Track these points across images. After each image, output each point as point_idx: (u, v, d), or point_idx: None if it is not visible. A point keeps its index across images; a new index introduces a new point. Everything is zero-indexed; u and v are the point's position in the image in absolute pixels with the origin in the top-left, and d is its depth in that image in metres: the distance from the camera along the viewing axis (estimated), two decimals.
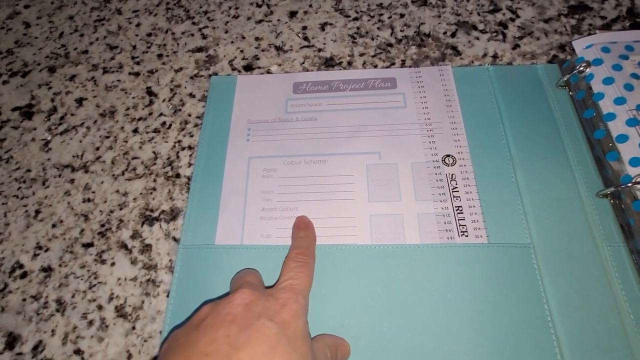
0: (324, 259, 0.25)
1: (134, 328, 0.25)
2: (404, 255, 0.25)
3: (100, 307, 0.25)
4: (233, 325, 0.17)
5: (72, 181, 0.30)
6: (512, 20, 0.35)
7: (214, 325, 0.17)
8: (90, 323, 0.25)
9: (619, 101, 0.25)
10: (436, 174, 0.27)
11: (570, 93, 0.29)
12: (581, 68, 0.28)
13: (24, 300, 0.26)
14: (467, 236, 0.25)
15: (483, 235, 0.25)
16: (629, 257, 0.23)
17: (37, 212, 0.29)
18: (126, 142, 0.32)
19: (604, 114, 0.25)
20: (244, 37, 0.37)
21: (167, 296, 0.25)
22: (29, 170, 0.31)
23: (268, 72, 0.34)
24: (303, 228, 0.25)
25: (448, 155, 0.28)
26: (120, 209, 0.29)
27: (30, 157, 0.32)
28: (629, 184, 0.23)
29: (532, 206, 0.26)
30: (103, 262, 0.27)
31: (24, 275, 0.27)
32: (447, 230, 0.25)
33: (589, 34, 0.33)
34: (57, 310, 0.25)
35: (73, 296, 0.26)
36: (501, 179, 0.27)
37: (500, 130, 0.29)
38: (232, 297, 0.19)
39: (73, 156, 0.31)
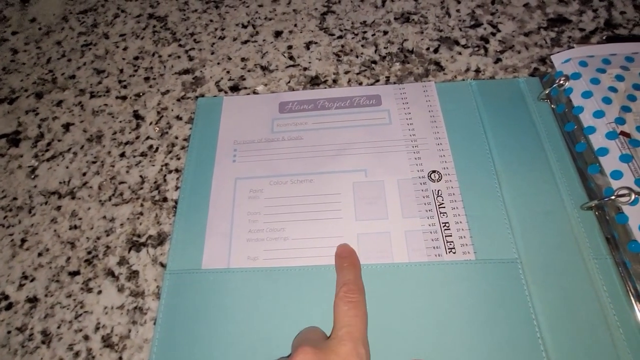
0: (311, 279, 0.25)
1: (120, 358, 0.24)
2: (392, 274, 0.25)
3: (86, 338, 0.25)
4: None
5: (58, 208, 0.30)
6: (493, 34, 0.36)
7: None
8: (77, 354, 0.24)
9: (598, 114, 0.25)
10: (422, 190, 0.27)
11: (552, 106, 0.30)
12: (560, 82, 0.28)
13: (9, 332, 0.25)
14: (454, 253, 0.25)
15: (470, 252, 0.25)
16: (615, 270, 0.23)
17: (23, 240, 0.29)
18: (113, 166, 0.32)
19: (584, 127, 0.26)
20: (230, 58, 0.37)
21: (154, 324, 0.25)
22: (15, 199, 0.31)
23: (254, 92, 0.34)
24: (346, 257, 0.25)
25: (434, 171, 0.28)
26: (107, 235, 0.29)
27: (16, 184, 0.32)
28: (612, 197, 0.23)
29: (518, 220, 0.26)
30: (89, 290, 0.27)
31: (9, 307, 0.26)
32: (434, 248, 0.25)
33: (569, 47, 0.34)
34: (43, 342, 0.25)
35: (59, 327, 0.25)
36: (487, 194, 0.27)
37: (484, 145, 0.29)
38: (293, 357, 0.19)
39: (60, 182, 0.31)
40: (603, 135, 0.25)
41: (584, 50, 0.28)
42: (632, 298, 0.22)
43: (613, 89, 0.26)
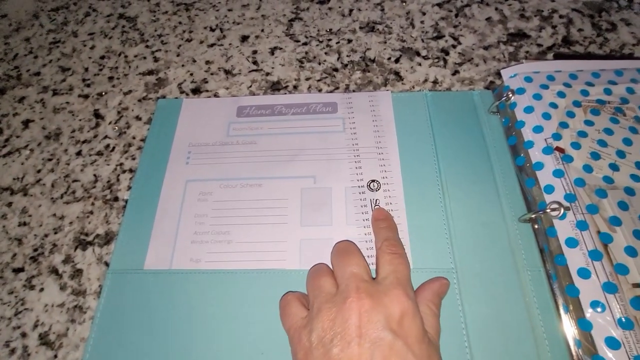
0: (250, 283, 0.25)
1: (55, 356, 0.24)
2: None
3: (24, 335, 0.25)
4: (359, 338, 0.18)
5: (9, 204, 0.30)
6: (454, 47, 0.37)
7: (343, 338, 0.19)
8: (12, 352, 0.24)
9: (537, 129, 0.26)
10: (361, 199, 0.28)
11: (501, 119, 0.30)
12: (508, 95, 0.29)
13: None
14: None
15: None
16: (547, 281, 0.24)
17: None
18: (68, 164, 0.32)
19: (524, 142, 0.26)
20: (195, 61, 0.37)
21: (92, 323, 0.25)
22: None
23: (215, 95, 0.35)
24: (382, 219, 0.26)
25: (373, 181, 0.28)
26: (55, 233, 0.29)
27: None
28: (546, 210, 0.24)
29: (457, 231, 0.26)
30: (32, 287, 0.27)
31: None
32: (371, 256, 0.26)
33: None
34: None
35: None
36: (430, 204, 0.27)
37: (432, 155, 0.29)
38: (349, 302, 0.20)
39: (13, 179, 0.31)
40: (540, 150, 0.25)
41: (531, 66, 0.29)
42: (559, 310, 0.23)
43: (554, 105, 0.26)
